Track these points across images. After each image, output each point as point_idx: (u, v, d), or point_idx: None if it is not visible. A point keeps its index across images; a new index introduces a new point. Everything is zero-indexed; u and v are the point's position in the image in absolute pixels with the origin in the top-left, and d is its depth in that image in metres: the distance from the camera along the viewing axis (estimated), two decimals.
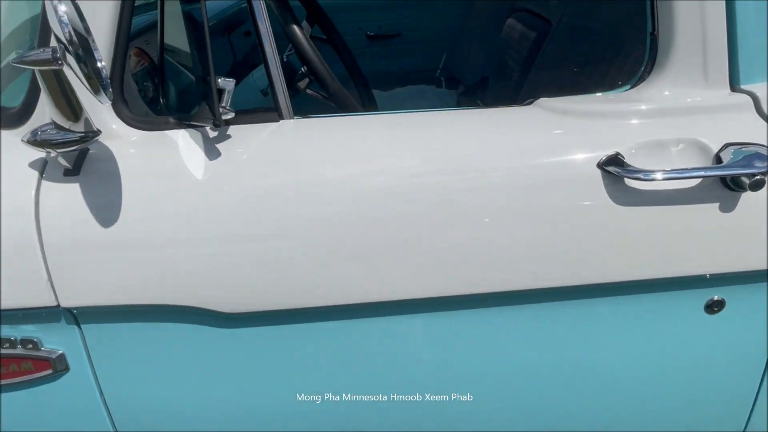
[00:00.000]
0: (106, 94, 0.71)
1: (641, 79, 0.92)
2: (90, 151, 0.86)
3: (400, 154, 0.86)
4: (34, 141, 0.79)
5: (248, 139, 0.88)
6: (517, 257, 0.84)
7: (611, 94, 0.94)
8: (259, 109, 0.92)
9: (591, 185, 0.84)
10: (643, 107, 0.88)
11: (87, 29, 0.69)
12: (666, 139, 0.86)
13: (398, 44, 2.63)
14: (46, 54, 0.68)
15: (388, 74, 2.53)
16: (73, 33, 0.66)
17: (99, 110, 0.87)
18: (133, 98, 0.95)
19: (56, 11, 0.65)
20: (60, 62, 0.68)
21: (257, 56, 1.53)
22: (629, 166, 0.83)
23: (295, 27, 1.17)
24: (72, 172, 0.83)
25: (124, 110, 0.89)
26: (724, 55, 0.87)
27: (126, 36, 0.87)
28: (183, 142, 0.88)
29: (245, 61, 2.11)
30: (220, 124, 0.83)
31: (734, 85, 0.88)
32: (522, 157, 0.85)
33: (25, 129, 0.86)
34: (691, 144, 0.85)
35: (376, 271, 0.84)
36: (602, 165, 0.83)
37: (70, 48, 0.67)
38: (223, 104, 0.84)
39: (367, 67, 2.61)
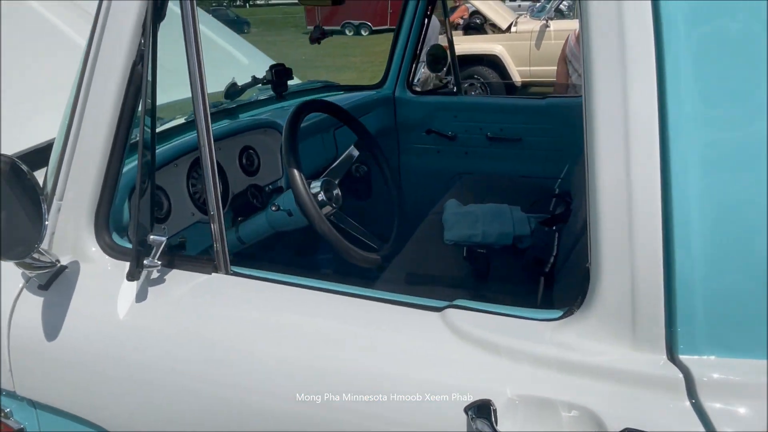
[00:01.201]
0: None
1: (569, 313, 0.78)
2: (66, 270, 1.04)
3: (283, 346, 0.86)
4: (19, 262, 0.98)
5: (172, 290, 0.97)
6: None
7: (536, 318, 0.81)
8: (199, 257, 1.01)
9: (449, 427, 0.73)
10: (550, 352, 0.74)
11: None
12: (559, 400, 0.71)
13: (518, 149, 2.54)
14: None
15: (502, 176, 2.46)
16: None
17: (82, 235, 1.04)
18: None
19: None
20: None
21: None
22: (496, 423, 0.71)
23: (295, 171, 1.24)
24: (43, 287, 1.01)
25: (104, 237, 1.05)
26: (659, 309, 0.69)
27: (117, 168, 1.02)
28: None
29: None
30: (133, 279, 0.93)
31: (672, 353, 0.70)
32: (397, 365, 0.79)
33: None
34: (586, 415, 0.69)
35: None
36: (468, 410, 0.73)
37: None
38: (148, 260, 0.94)
39: (484, 167, 2.58)
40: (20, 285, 1.04)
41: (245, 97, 1.98)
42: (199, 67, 0.94)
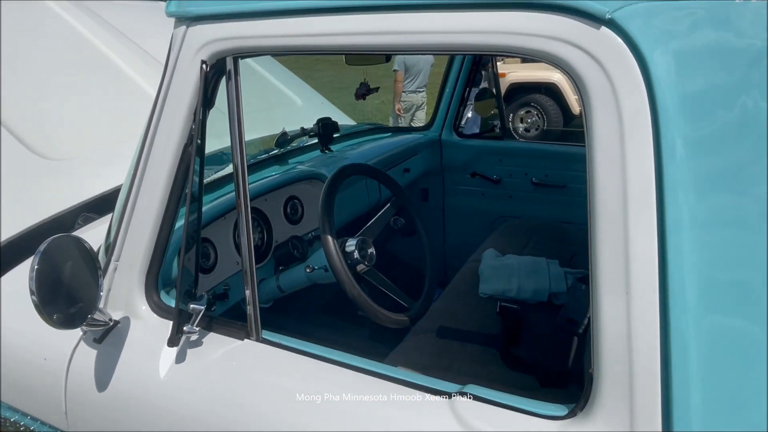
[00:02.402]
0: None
1: (572, 414, 0.80)
2: (118, 325, 1.15)
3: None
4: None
5: (208, 353, 1.06)
6: None
7: (543, 414, 0.83)
8: (233, 322, 1.09)
9: None
10: None
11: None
12: None
13: (562, 195, 2.52)
14: None
15: (544, 222, 2.45)
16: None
17: (134, 294, 1.15)
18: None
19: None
20: None
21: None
22: None
23: (329, 238, 1.31)
24: (97, 341, 1.13)
25: (153, 296, 1.16)
26: (657, 425, 0.71)
27: (167, 235, 1.13)
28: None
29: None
30: (173, 345, 1.02)
31: None
32: None
33: None
34: None
35: None
36: None
37: None
38: (187, 327, 1.03)
39: (527, 211, 2.58)
40: (79, 335, 1.16)
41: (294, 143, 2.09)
42: (241, 147, 1.02)
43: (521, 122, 6.72)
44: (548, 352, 1.64)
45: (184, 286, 1.09)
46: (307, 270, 1.48)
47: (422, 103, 5.55)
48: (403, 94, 5.42)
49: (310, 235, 1.84)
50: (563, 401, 0.88)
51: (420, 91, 5.49)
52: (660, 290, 0.71)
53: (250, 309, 1.06)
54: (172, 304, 1.16)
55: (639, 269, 0.72)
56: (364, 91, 2.13)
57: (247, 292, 1.06)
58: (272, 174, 1.86)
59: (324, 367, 0.99)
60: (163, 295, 1.18)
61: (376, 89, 2.16)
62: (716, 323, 0.70)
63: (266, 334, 1.07)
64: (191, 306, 1.04)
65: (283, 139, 1.98)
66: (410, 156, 2.50)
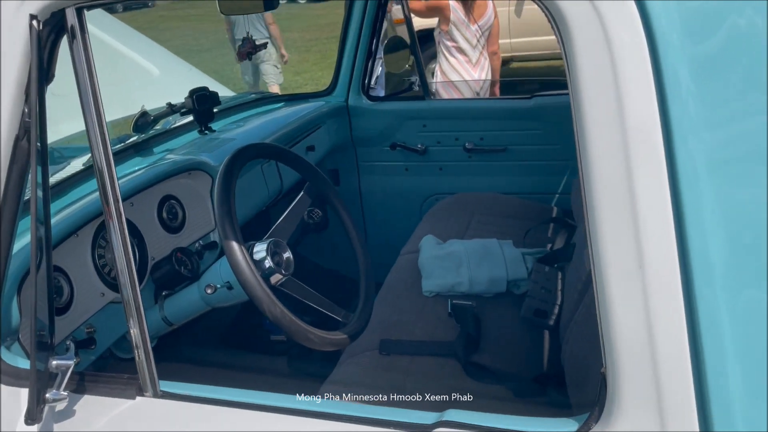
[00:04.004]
0: None
1: (587, 427, 0.80)
2: None
3: None
4: None
5: (87, 424, 0.95)
6: None
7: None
8: (118, 376, 0.99)
9: None
10: None
11: None
12: None
13: (503, 161, 2.57)
14: None
15: (485, 197, 2.48)
16: None
17: None
18: None
19: None
20: None
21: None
22: None
23: (234, 245, 1.22)
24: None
25: None
26: (693, 419, 0.72)
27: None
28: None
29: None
30: (33, 421, 0.90)
31: None
32: None
33: None
34: None
35: None
36: None
37: None
38: (51, 393, 0.91)
39: (463, 186, 2.60)
40: None
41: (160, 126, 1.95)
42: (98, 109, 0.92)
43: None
44: (518, 354, 1.66)
45: (36, 335, 0.97)
46: (208, 291, 1.38)
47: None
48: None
49: (197, 244, 1.73)
50: (566, 414, 0.87)
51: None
52: (680, 263, 0.71)
53: (140, 354, 0.96)
54: (21, 364, 1.03)
55: (652, 239, 0.72)
56: (248, 49, 2.02)
57: (134, 332, 0.96)
58: (135, 170, 1.72)
59: (249, 417, 0.92)
60: (4, 353, 1.04)
61: (264, 45, 2.06)
62: (751, 296, 0.71)
63: (165, 385, 0.98)
64: (53, 363, 0.93)
65: (143, 121, 1.84)
66: (312, 130, 2.43)
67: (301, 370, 2.01)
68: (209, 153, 1.84)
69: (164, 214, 1.68)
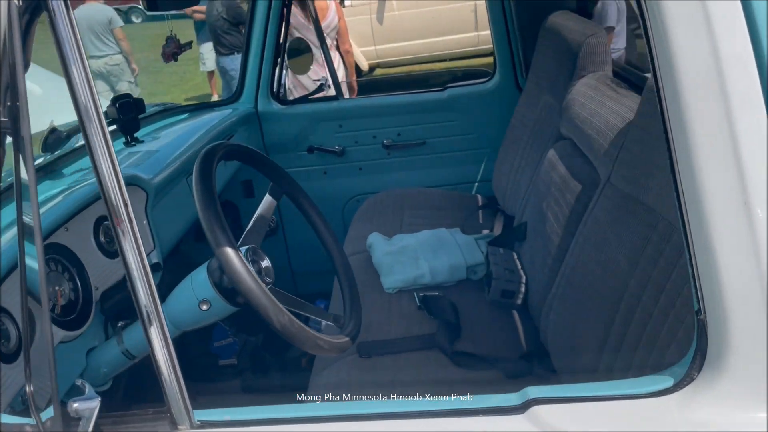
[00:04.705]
0: None
1: (688, 380, 0.78)
2: None
3: None
4: None
5: None
6: None
7: (642, 394, 0.79)
8: (141, 412, 0.84)
9: None
10: None
11: None
12: None
13: (423, 154, 2.57)
14: None
15: (411, 193, 2.46)
16: None
17: None
18: None
19: None
20: None
21: None
22: None
23: (229, 251, 1.09)
24: None
25: None
26: None
27: None
28: None
29: None
30: None
31: None
32: None
33: None
34: None
35: None
36: None
37: None
38: None
39: (385, 183, 2.56)
40: None
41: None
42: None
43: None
44: (497, 337, 1.64)
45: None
46: (203, 307, 1.22)
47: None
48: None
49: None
50: (650, 370, 0.85)
51: (101, 56, 5.27)
52: None
53: (170, 380, 0.82)
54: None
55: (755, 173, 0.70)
56: (173, 49, 1.84)
57: (160, 354, 0.82)
58: (57, 191, 1.51)
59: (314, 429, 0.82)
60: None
61: (189, 45, 1.90)
62: None
63: (200, 414, 0.85)
64: (73, 405, 0.77)
65: (54, 138, 1.63)
66: (225, 140, 2.28)
67: (259, 388, 1.87)
68: (137, 166, 1.66)
69: (101, 238, 1.49)
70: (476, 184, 2.58)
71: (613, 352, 1.24)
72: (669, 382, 0.80)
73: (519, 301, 1.70)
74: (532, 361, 1.53)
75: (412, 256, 1.84)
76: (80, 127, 0.78)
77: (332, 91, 2.63)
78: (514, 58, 2.44)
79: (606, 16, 3.38)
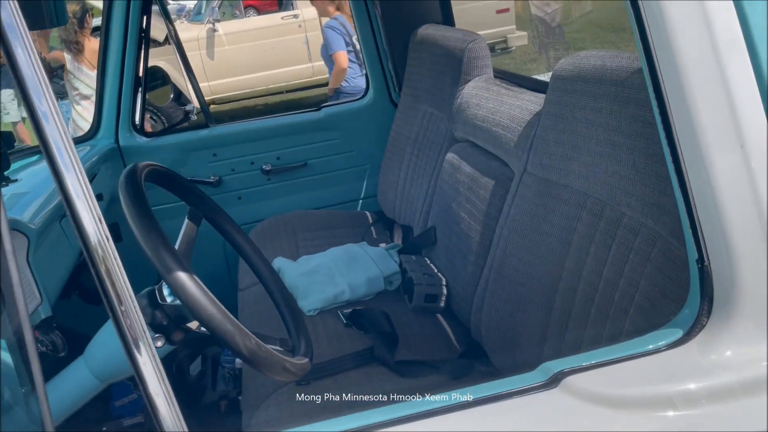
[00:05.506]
0: None
1: (699, 326, 0.80)
2: None
3: None
4: None
5: None
6: None
7: (659, 348, 0.81)
8: None
9: None
10: (714, 381, 0.76)
11: None
12: None
13: (305, 176, 2.51)
14: None
15: (294, 217, 2.38)
16: None
17: None
18: None
19: None
20: None
21: None
22: None
23: (182, 275, 0.97)
24: None
25: None
26: None
27: None
28: None
29: None
30: None
31: None
32: None
33: None
34: None
35: None
36: None
37: None
38: None
39: (268, 210, 2.46)
40: None
41: None
42: None
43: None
44: (430, 341, 1.61)
45: None
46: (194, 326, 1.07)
47: None
48: None
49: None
50: (657, 322, 0.86)
51: None
52: None
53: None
54: None
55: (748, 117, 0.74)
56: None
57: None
58: None
59: None
60: None
61: (61, 68, 1.68)
62: None
63: None
64: None
65: None
66: (89, 181, 2.06)
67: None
68: (14, 207, 1.44)
69: None
70: (360, 201, 2.56)
71: (558, 333, 1.27)
72: (678, 333, 0.82)
73: (442, 304, 1.70)
74: (471, 358, 1.53)
75: (328, 274, 1.77)
76: None
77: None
78: (386, 74, 2.47)
79: None
